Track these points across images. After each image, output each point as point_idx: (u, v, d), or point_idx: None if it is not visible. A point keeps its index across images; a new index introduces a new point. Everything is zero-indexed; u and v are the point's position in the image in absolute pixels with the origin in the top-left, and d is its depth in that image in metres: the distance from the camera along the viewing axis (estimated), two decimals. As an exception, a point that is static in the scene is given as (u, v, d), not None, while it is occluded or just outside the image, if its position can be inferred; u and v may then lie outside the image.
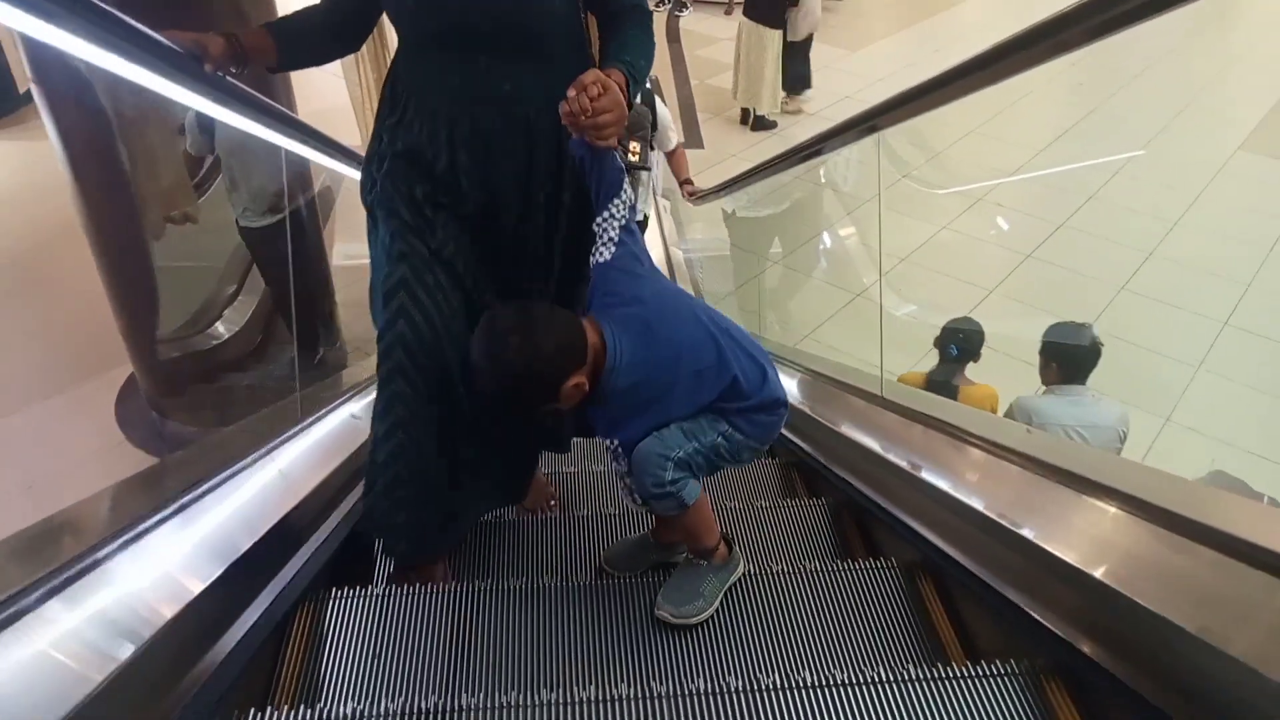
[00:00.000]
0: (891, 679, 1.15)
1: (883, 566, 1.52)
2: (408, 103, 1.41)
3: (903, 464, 1.68)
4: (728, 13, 10.09)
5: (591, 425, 1.32)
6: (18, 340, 3.06)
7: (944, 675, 1.16)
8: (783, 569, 1.51)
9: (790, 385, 2.40)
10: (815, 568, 1.52)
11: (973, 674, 1.16)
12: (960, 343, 2.84)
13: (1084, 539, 1.15)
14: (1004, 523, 1.28)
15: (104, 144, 2.78)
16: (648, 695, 1.14)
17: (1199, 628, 0.89)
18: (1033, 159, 5.44)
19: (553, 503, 1.96)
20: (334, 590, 1.43)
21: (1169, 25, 1.05)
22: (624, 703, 1.13)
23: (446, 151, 1.39)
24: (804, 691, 1.13)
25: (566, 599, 1.45)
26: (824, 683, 1.14)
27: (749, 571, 1.48)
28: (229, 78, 1.42)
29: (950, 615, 1.41)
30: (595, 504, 2.01)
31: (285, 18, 1.47)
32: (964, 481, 1.50)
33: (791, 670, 1.29)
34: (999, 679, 1.15)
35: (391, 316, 1.38)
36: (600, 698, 1.13)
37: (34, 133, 2.88)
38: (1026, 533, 1.22)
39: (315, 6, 1.49)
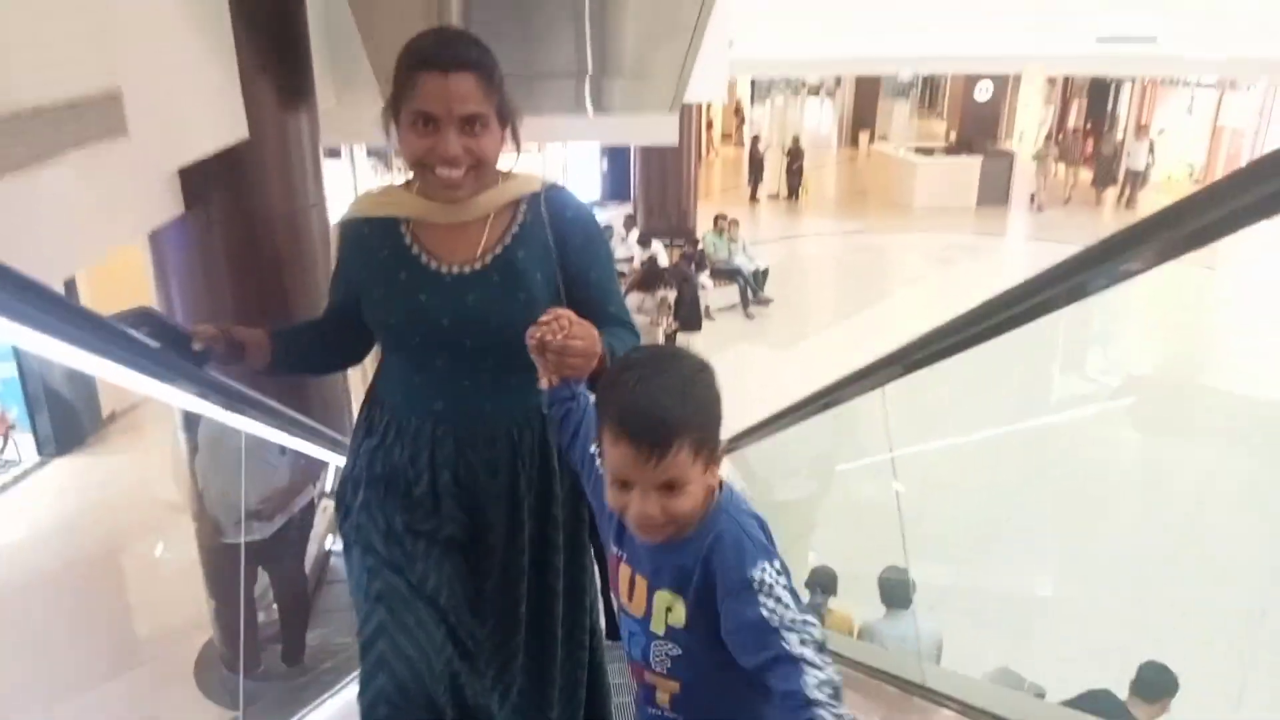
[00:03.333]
0: None
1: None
2: (387, 426, 1.40)
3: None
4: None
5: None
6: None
7: None
8: None
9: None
10: None
11: None
12: (823, 582, 3.99)
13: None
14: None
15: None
16: None
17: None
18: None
19: None
20: None
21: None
22: None
23: (428, 473, 1.36)
24: None
25: None
26: None
27: None
28: (212, 369, 1.35)
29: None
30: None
31: (288, 325, 1.49)
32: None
33: None
34: None
35: (371, 669, 1.29)
36: None
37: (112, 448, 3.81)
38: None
39: (321, 315, 1.50)
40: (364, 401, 1.48)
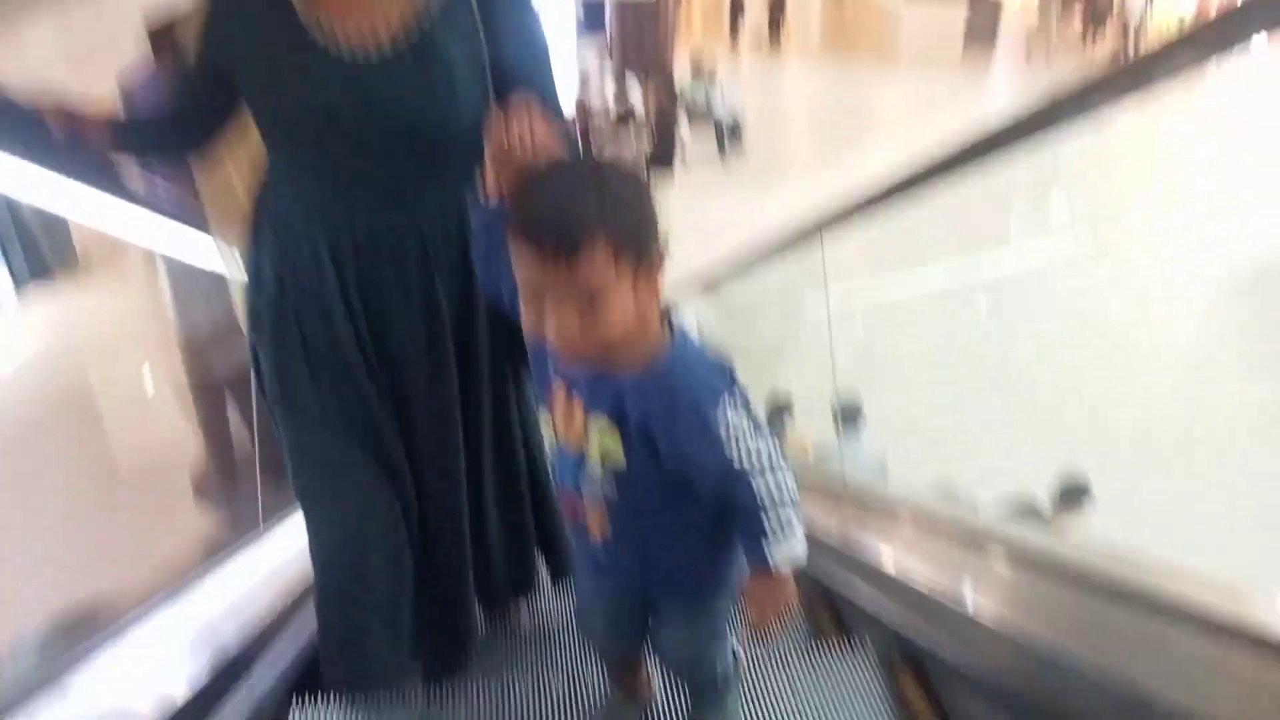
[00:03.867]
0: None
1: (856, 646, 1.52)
2: (277, 247, 1.23)
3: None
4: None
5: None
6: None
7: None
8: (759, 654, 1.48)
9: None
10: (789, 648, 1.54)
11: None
12: (783, 404, 4.28)
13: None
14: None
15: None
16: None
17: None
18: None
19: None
20: (292, 699, 1.40)
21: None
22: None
23: (336, 300, 1.21)
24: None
25: (538, 685, 1.42)
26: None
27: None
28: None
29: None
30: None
31: (129, 109, 1.34)
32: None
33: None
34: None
35: (316, 532, 1.31)
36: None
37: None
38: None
39: (164, 100, 1.28)
40: (249, 217, 1.27)
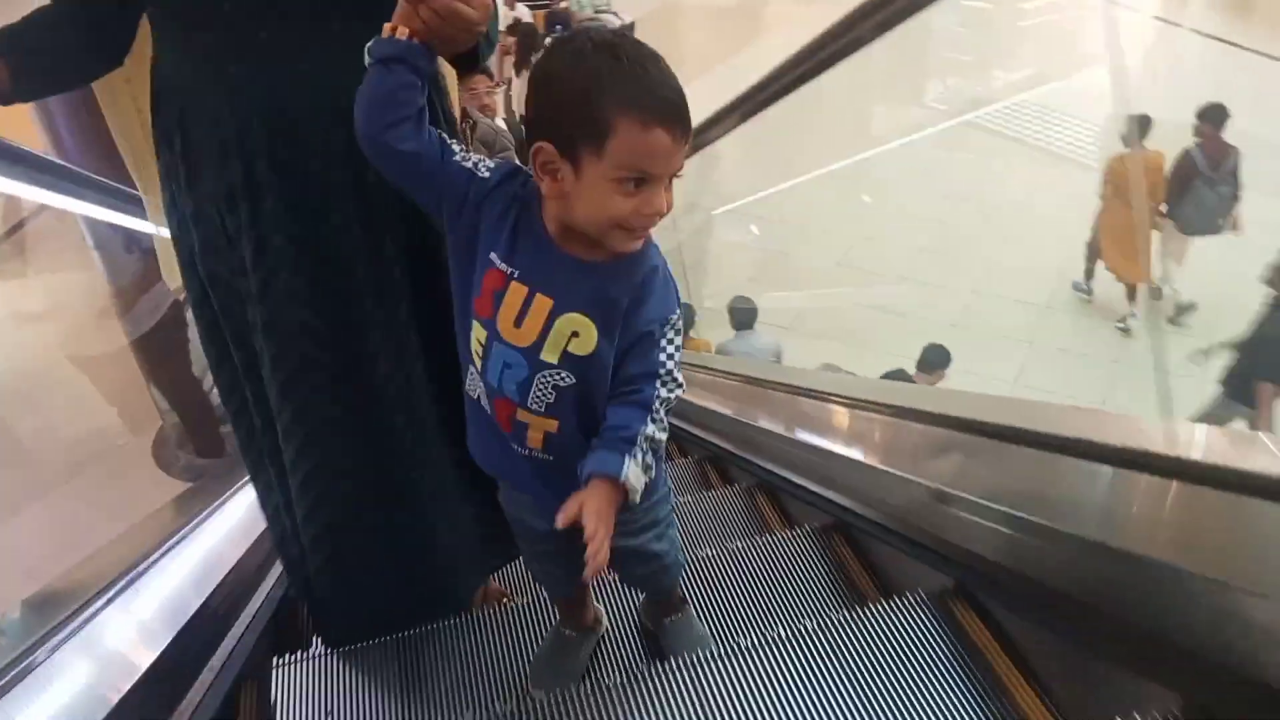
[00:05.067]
0: (818, 628, 1.24)
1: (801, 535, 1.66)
2: (182, 122, 1.07)
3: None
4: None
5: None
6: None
7: (862, 616, 1.26)
8: (711, 552, 1.60)
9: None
10: (739, 546, 1.62)
11: (886, 610, 1.27)
12: (687, 316, 4.87)
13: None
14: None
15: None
16: (602, 686, 1.17)
17: (1071, 528, 1.04)
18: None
19: (503, 597, 1.67)
20: (274, 659, 1.40)
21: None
22: (583, 700, 1.16)
23: (240, 178, 1.06)
24: (745, 655, 1.21)
25: (520, 621, 1.45)
26: (761, 643, 1.22)
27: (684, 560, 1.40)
28: None
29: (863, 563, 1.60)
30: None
31: (12, 27, 1.03)
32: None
33: (730, 638, 1.39)
34: (911, 610, 1.26)
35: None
36: (557, 700, 1.16)
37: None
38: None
39: (50, 8, 1.06)
40: (152, 115, 1.12)
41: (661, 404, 0.96)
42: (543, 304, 0.93)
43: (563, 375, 0.95)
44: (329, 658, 1.41)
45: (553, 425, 0.99)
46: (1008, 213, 6.71)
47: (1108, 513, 1.10)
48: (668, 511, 1.21)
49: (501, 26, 1.66)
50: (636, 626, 1.46)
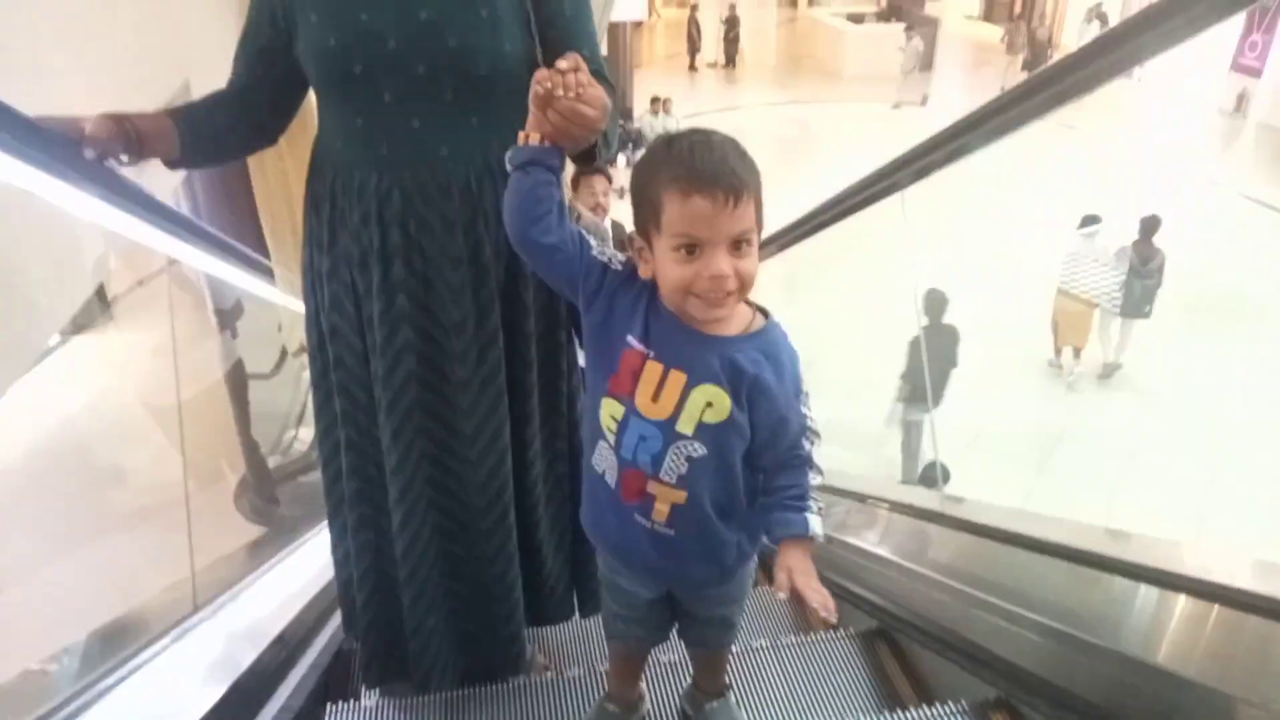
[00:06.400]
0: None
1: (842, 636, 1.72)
2: (332, 191, 1.23)
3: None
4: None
5: None
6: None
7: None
8: (764, 644, 1.67)
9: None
10: (788, 641, 1.69)
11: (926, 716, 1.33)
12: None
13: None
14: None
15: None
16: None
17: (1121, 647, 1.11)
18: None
19: (547, 670, 1.66)
20: (328, 706, 1.46)
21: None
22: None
23: (377, 234, 1.21)
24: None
25: (568, 692, 1.49)
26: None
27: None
28: (116, 166, 1.13)
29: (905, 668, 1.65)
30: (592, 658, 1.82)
31: (190, 103, 1.25)
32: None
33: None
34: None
35: (347, 567, 1.42)
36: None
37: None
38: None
39: (224, 89, 1.26)
40: (306, 183, 1.29)
41: (814, 451, 1.05)
42: (677, 379, 1.00)
43: (695, 446, 1.01)
44: (381, 709, 1.47)
45: (681, 497, 1.05)
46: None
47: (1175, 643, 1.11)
48: (749, 585, 1.27)
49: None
50: (677, 710, 1.49)
